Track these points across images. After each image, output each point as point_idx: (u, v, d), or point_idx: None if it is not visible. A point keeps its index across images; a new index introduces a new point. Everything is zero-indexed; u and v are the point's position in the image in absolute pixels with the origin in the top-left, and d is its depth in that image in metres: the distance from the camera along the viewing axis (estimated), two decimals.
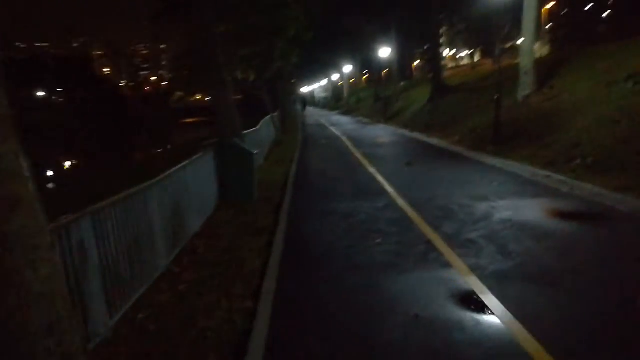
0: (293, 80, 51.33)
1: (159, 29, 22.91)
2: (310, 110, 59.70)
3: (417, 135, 19.49)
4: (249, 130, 11.77)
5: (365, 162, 12.77)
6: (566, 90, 14.66)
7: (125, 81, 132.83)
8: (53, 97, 72.71)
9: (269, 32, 16.68)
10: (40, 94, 70.87)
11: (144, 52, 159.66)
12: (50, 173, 46.17)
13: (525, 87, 15.73)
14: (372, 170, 11.27)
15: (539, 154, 11.00)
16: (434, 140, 16.81)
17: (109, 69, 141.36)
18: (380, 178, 10.04)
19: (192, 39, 9.28)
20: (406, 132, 21.23)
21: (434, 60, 27.67)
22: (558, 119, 12.72)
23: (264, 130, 16.92)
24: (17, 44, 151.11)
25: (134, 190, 4.67)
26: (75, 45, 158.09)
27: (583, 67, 15.78)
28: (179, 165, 6.33)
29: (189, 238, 6.39)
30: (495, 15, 15.35)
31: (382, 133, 22.29)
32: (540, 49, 25.82)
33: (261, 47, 17.90)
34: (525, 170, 9.85)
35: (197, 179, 7.27)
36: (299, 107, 46.39)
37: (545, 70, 16.42)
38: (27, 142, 2.26)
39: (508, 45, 49.81)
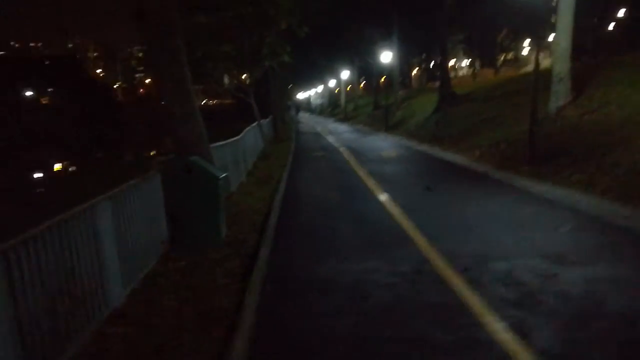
0: (289, 86, 49.06)
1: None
2: (305, 117, 57.25)
3: (426, 148, 17.02)
4: (223, 142, 9.17)
5: (372, 185, 10.18)
6: (612, 102, 12.26)
7: (119, 83, 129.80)
8: (44, 98, 70.19)
9: (257, 24, 14.16)
10: (30, 94, 68.20)
11: (140, 54, 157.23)
12: (38, 175, 43.98)
13: (559, 96, 13.32)
14: (383, 198, 8.66)
15: (597, 180, 8.50)
16: (449, 156, 14.30)
17: (102, 71, 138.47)
18: (396, 212, 7.42)
19: (146, 27, 6.70)
20: (413, 144, 18.77)
21: (441, 67, 25.65)
22: (610, 136, 10.28)
23: (249, 140, 14.34)
24: (11, 43, 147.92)
25: None
26: (70, 46, 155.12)
27: (622, 78, 13.50)
28: (78, 208, 3.77)
29: (98, 324, 3.82)
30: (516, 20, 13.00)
31: (386, 145, 19.79)
32: (547, 60, 23.67)
33: (249, 43, 15.38)
34: (592, 204, 7.30)
35: (126, 219, 4.72)
36: (293, 113, 44.16)
37: (572, 79, 14.00)
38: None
39: (510, 55, 48.12)
